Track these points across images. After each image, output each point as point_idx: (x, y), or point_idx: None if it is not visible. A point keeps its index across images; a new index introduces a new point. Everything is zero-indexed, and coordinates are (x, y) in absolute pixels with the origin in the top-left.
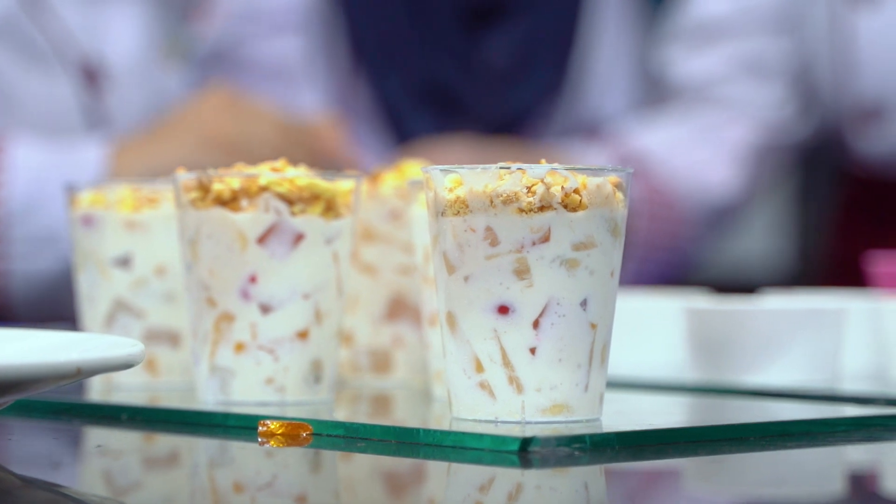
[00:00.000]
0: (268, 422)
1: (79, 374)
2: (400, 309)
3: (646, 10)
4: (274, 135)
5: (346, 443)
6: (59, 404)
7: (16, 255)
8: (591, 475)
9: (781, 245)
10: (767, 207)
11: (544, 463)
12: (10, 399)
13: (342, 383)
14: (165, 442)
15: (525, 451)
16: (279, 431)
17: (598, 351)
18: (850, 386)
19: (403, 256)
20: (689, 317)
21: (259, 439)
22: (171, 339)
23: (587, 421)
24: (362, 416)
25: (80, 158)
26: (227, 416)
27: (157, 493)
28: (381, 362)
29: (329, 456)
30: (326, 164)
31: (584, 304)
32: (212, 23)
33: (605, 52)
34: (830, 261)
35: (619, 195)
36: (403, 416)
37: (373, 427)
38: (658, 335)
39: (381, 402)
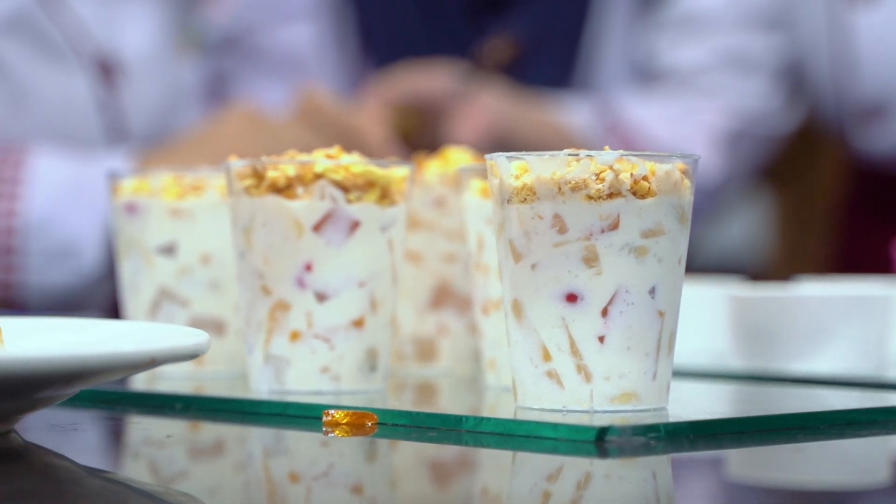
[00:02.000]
0: (332, 411)
1: (153, 364)
2: (444, 297)
3: None
4: (299, 148)
5: (410, 432)
6: (113, 394)
7: (31, 268)
8: (661, 465)
9: (773, 235)
10: (760, 197)
11: (620, 452)
12: (79, 389)
13: None
14: (223, 431)
15: (601, 441)
16: (344, 421)
17: (665, 339)
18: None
19: (448, 244)
20: (734, 304)
21: (323, 429)
22: (217, 327)
23: (655, 410)
24: (421, 405)
25: (101, 172)
26: (286, 406)
27: (215, 483)
28: (425, 351)
29: (392, 445)
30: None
31: (652, 291)
32: (223, 10)
33: (613, 42)
34: (830, 250)
35: (686, 182)
36: (463, 405)
37: (441, 416)
38: (699, 322)
39: (433, 390)
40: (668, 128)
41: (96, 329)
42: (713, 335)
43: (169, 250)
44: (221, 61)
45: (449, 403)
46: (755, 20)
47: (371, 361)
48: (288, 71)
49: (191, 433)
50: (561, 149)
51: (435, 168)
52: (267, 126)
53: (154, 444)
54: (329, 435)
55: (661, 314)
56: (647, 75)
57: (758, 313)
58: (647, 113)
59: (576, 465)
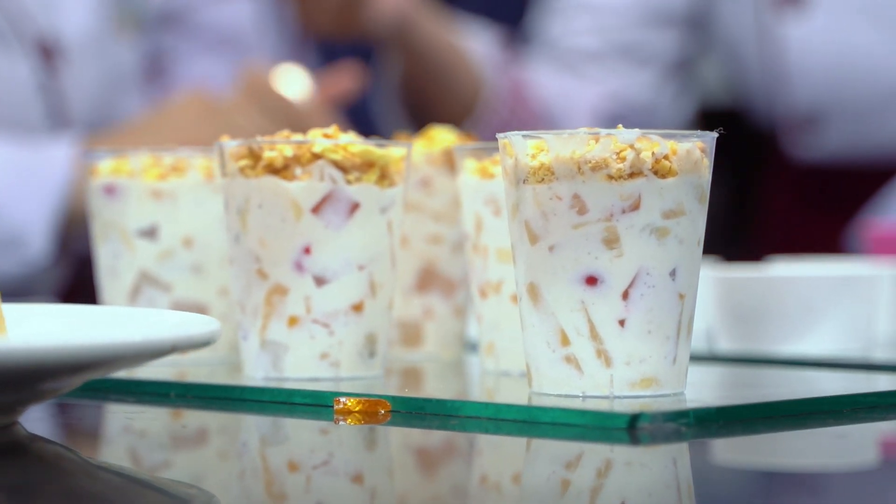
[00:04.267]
0: (343, 399)
1: (172, 351)
2: (430, 280)
3: None
4: (254, 127)
5: (422, 419)
6: (106, 382)
7: None
8: (683, 452)
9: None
10: None
11: (652, 439)
12: (89, 378)
13: None
14: (228, 420)
15: (633, 428)
16: (357, 409)
17: (685, 322)
18: (882, 354)
19: (434, 225)
20: (721, 285)
21: (335, 417)
22: (199, 312)
23: (674, 395)
24: (424, 391)
25: (48, 160)
26: (291, 393)
27: (225, 474)
28: (410, 335)
29: (406, 433)
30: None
31: (672, 273)
32: None
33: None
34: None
35: (706, 161)
36: (467, 390)
37: (458, 403)
38: None
39: (427, 376)
40: (556, 95)
41: (96, 315)
42: (699, 317)
43: (150, 233)
44: (160, 39)
45: (452, 389)
46: (653, 15)
47: (370, 347)
48: (228, 48)
49: (195, 422)
50: (450, 62)
51: (420, 148)
52: (217, 110)
53: (157, 434)
54: (340, 423)
55: (681, 297)
56: (540, 51)
57: (745, 294)
58: (539, 75)
59: (596, 452)
